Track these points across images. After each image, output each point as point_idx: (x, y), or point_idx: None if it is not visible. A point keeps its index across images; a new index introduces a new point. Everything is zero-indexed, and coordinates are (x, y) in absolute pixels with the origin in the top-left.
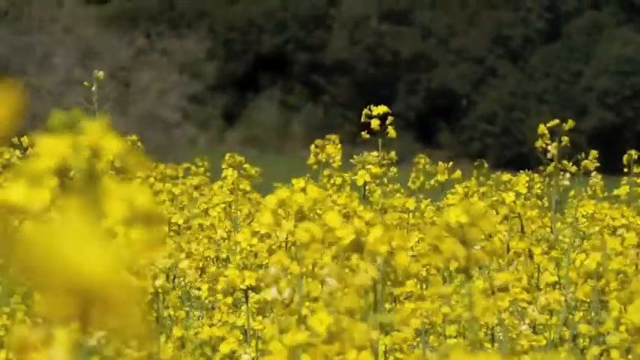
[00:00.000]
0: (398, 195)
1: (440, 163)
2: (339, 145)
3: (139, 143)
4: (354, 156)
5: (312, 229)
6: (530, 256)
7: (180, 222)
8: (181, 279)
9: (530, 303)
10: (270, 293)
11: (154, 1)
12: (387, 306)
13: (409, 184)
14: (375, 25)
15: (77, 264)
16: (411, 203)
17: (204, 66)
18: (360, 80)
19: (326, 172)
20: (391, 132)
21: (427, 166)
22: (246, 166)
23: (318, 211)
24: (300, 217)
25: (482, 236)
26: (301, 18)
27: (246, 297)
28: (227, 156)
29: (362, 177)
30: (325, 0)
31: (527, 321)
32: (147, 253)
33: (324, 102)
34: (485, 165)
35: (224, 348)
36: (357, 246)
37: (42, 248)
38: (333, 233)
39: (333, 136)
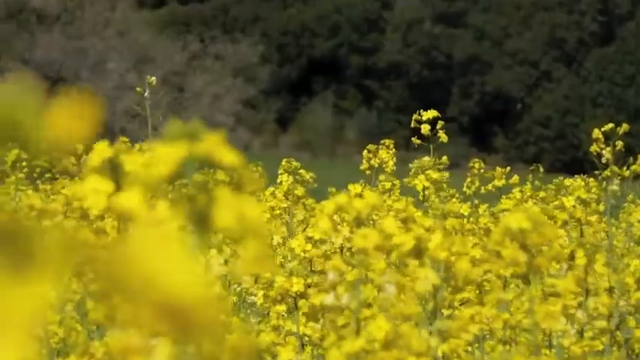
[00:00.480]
0: (453, 200)
1: (497, 168)
2: (393, 150)
3: None
4: (415, 160)
5: (370, 235)
6: (572, 258)
7: None
8: (236, 285)
9: (578, 307)
10: (328, 299)
11: (208, 6)
12: (445, 312)
13: (464, 188)
14: (428, 28)
15: (166, 279)
16: (465, 209)
17: (258, 70)
18: (414, 83)
19: (381, 177)
20: (442, 136)
21: (482, 171)
22: (301, 171)
23: (374, 217)
24: (358, 222)
25: (544, 242)
26: (354, 21)
27: (296, 304)
28: (284, 161)
29: (421, 182)
30: (378, 3)
31: (575, 326)
32: (256, 267)
33: (377, 106)
34: (541, 169)
35: (283, 357)
36: (417, 252)
37: (129, 261)
38: (390, 239)
39: (388, 141)
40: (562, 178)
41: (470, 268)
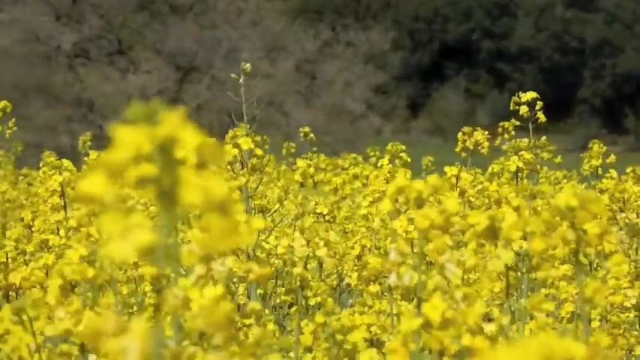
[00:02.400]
0: (565, 181)
1: (594, 146)
2: (512, 133)
3: (311, 134)
4: (506, 143)
5: (431, 214)
6: None
7: (325, 211)
8: (338, 268)
9: None
10: (391, 278)
11: None
12: (544, 291)
13: (582, 169)
14: (560, 12)
15: None
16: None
17: (390, 57)
18: (546, 67)
19: (502, 159)
20: (541, 117)
21: (602, 152)
22: (402, 154)
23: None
24: (419, 203)
25: (592, 218)
26: (486, 6)
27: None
28: (390, 145)
29: (514, 163)
30: None
31: None
32: (224, 240)
33: (509, 89)
34: None
35: (355, 336)
36: (492, 232)
37: None
38: (452, 219)
39: (507, 123)
40: None
41: (544, 248)
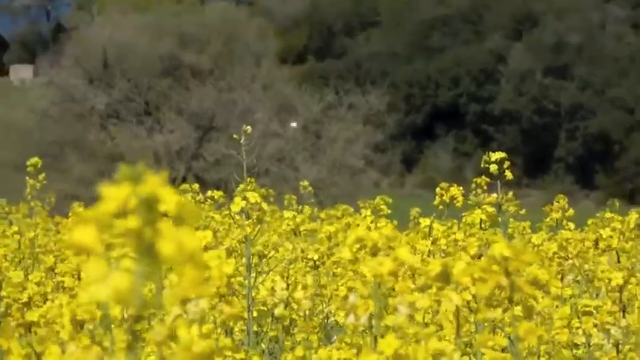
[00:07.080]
0: (529, 232)
1: (555, 202)
2: (484, 188)
3: (310, 187)
4: (471, 197)
5: (385, 262)
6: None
7: (315, 257)
8: (324, 305)
9: (613, 325)
10: (349, 319)
11: (343, 62)
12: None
13: (547, 221)
14: (538, 79)
15: None
16: (537, 238)
17: (386, 118)
18: (525, 128)
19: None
20: (508, 175)
21: (562, 206)
22: (382, 206)
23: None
24: (374, 251)
25: (524, 267)
26: (473, 73)
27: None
28: (378, 198)
29: (478, 216)
30: (494, 57)
31: (611, 341)
32: (195, 289)
33: (492, 148)
34: (617, 204)
35: None
36: (445, 277)
37: None
38: (404, 266)
39: (480, 179)
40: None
41: (489, 292)
